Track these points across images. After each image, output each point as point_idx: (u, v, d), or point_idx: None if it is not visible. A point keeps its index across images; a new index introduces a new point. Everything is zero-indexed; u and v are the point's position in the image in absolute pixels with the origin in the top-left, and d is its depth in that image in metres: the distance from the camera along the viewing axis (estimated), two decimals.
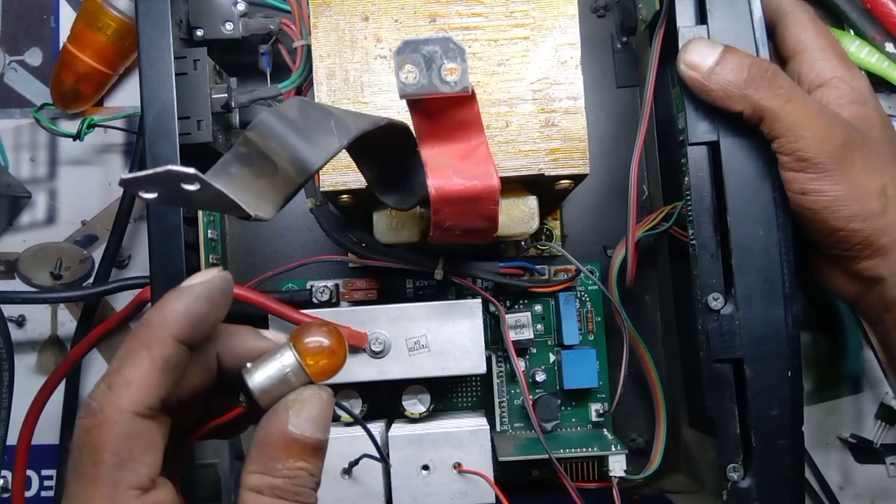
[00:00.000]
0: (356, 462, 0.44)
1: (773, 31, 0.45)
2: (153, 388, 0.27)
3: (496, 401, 0.53)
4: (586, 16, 0.56)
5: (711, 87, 0.40)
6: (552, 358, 0.53)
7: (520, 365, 0.51)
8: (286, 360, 0.28)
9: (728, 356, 0.41)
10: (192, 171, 0.26)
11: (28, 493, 0.56)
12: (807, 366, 0.57)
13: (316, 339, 0.29)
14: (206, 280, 0.29)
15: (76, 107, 0.57)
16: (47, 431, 0.54)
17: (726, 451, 0.41)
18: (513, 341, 0.50)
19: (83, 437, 0.26)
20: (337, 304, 0.51)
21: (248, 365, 0.29)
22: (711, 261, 0.42)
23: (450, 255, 0.47)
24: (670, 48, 0.44)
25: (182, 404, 0.29)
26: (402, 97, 0.33)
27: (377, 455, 0.38)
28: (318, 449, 0.28)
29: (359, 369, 0.45)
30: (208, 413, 0.31)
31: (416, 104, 0.34)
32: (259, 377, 0.28)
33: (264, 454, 0.27)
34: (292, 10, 0.49)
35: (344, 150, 0.33)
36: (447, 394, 0.54)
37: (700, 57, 0.40)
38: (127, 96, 0.60)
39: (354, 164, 0.38)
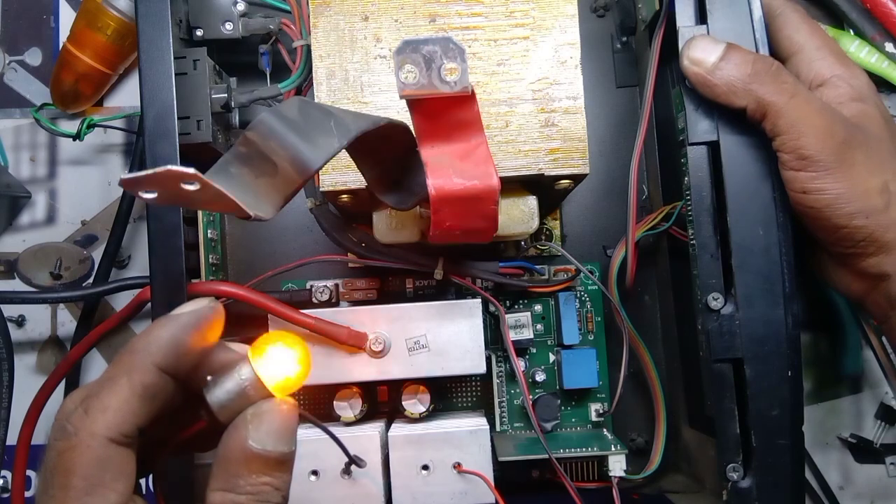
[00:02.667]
0: (349, 463, 0.44)
1: (766, 34, 0.45)
2: (130, 415, 0.26)
3: (496, 401, 0.53)
4: (586, 16, 0.56)
5: (715, 82, 0.40)
6: (552, 358, 0.53)
7: (519, 365, 0.51)
8: (244, 373, 0.28)
9: (728, 356, 0.41)
10: (191, 171, 0.26)
11: (28, 493, 0.56)
12: (807, 366, 0.57)
13: (275, 351, 0.28)
14: (194, 310, 0.28)
15: (76, 107, 0.57)
16: (47, 431, 0.54)
17: (726, 451, 0.41)
18: (512, 341, 0.50)
19: (55, 460, 0.26)
20: (337, 304, 0.51)
21: (209, 378, 0.28)
22: (711, 261, 0.42)
23: (450, 255, 0.47)
24: (670, 48, 0.44)
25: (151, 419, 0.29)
26: (401, 97, 0.33)
27: (363, 458, 0.37)
28: (281, 462, 0.27)
29: (359, 369, 0.45)
30: (176, 426, 0.30)
31: (416, 104, 0.34)
32: (218, 392, 0.28)
33: (226, 470, 0.27)
34: (292, 10, 0.49)
35: (344, 150, 0.33)
36: (447, 394, 0.54)
37: (704, 53, 0.40)
38: (127, 96, 0.60)
39: (354, 164, 0.38)
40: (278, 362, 0.28)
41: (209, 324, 0.28)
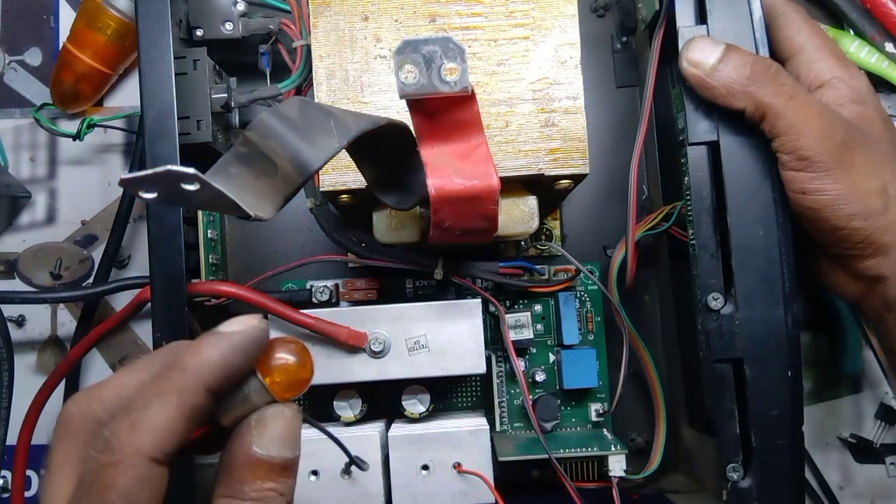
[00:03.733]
0: (350, 463, 0.44)
1: (767, 34, 0.45)
2: (175, 435, 0.26)
3: (496, 401, 0.53)
4: (586, 16, 0.56)
5: (714, 83, 0.40)
6: (552, 358, 0.53)
7: (519, 365, 0.51)
8: (248, 379, 0.28)
9: (728, 356, 0.41)
10: (191, 170, 0.26)
11: (28, 493, 0.56)
12: (807, 366, 0.57)
13: (279, 357, 0.28)
14: (244, 331, 0.27)
15: (76, 107, 0.57)
16: (47, 431, 0.54)
17: (726, 451, 0.41)
18: (512, 341, 0.50)
19: (95, 472, 0.25)
20: (337, 304, 0.51)
21: None
22: (711, 261, 0.42)
23: (450, 255, 0.47)
24: (670, 48, 0.44)
25: None
26: (401, 97, 0.33)
27: (362, 459, 0.37)
28: (286, 468, 0.27)
29: (359, 369, 0.45)
30: None
31: (416, 104, 0.34)
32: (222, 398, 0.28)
33: (231, 476, 0.27)
34: (292, 10, 0.49)
35: (344, 150, 0.33)
36: (447, 394, 0.54)
37: (703, 54, 0.40)
38: (127, 96, 0.60)
39: (354, 164, 0.38)
40: (282, 368, 0.28)
41: (258, 345, 0.28)
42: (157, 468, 0.26)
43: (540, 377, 0.53)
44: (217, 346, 0.27)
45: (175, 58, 0.43)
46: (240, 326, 0.27)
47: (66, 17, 0.60)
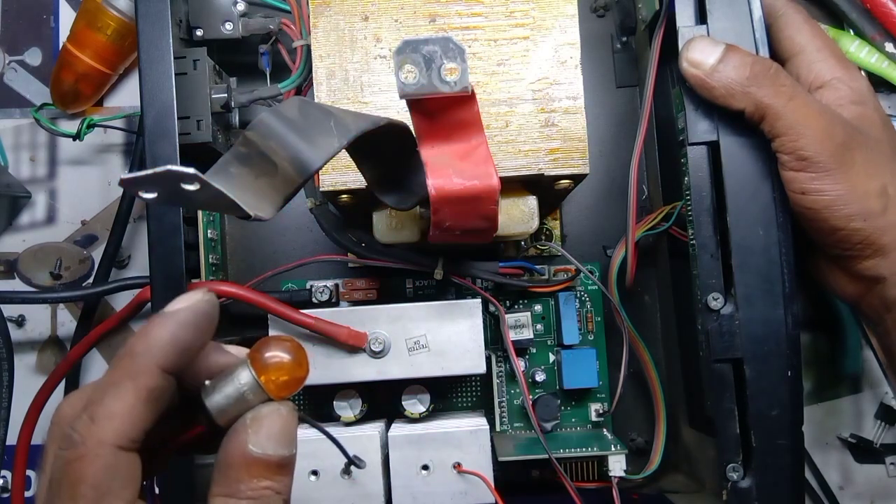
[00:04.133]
0: (349, 463, 0.44)
1: (767, 34, 0.45)
2: (137, 420, 0.26)
3: (496, 401, 0.53)
4: (586, 16, 0.56)
5: (713, 84, 0.40)
6: (552, 358, 0.53)
7: (519, 365, 0.51)
8: (243, 377, 0.28)
9: (728, 356, 0.41)
10: (191, 170, 0.26)
11: (28, 493, 0.56)
12: (807, 366, 0.57)
13: (274, 355, 0.28)
14: (190, 305, 0.28)
15: (76, 107, 0.57)
16: (47, 431, 0.54)
17: (726, 450, 0.41)
18: (512, 341, 0.50)
19: (63, 469, 0.25)
20: (337, 304, 0.51)
21: (207, 383, 0.28)
22: (711, 261, 0.42)
23: (450, 255, 0.47)
24: (670, 48, 0.44)
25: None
26: (401, 97, 0.33)
27: (363, 458, 0.37)
28: (282, 466, 0.27)
29: (359, 369, 0.45)
30: (175, 425, 0.29)
31: (416, 104, 0.34)
32: (217, 397, 0.28)
33: (227, 476, 0.27)
34: (292, 10, 0.49)
35: (344, 150, 0.33)
36: (447, 394, 0.54)
37: (702, 55, 0.40)
38: (127, 96, 0.60)
39: (354, 164, 0.38)
40: (277, 366, 0.28)
41: (207, 318, 0.28)
42: (125, 455, 0.26)
43: (540, 377, 0.53)
44: (164, 326, 0.27)
45: (175, 58, 0.43)
46: (185, 303, 0.28)
47: (66, 17, 0.60)
